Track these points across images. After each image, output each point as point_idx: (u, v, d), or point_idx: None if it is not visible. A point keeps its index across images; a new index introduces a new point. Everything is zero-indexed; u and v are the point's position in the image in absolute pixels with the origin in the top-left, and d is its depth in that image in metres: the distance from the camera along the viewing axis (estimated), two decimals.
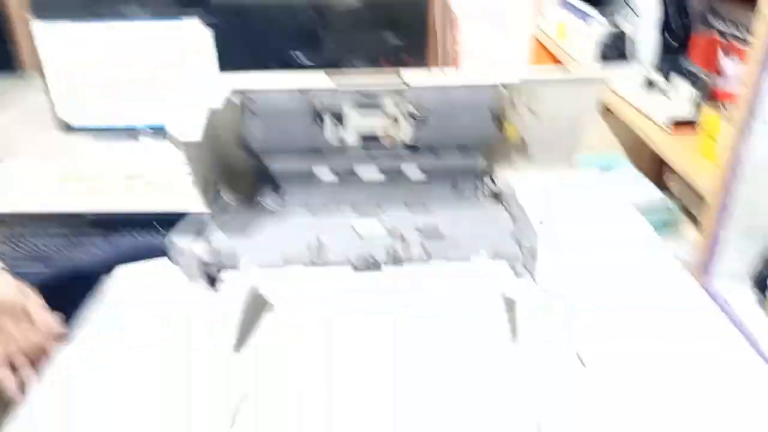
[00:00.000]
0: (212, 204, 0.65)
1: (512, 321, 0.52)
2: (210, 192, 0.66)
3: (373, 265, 0.59)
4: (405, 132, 0.67)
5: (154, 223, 1.04)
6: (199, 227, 0.61)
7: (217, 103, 0.60)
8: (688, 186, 0.98)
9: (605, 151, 1.41)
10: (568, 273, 0.58)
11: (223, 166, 0.71)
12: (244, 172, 0.71)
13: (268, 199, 0.71)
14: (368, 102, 0.64)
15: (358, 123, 0.65)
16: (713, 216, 0.68)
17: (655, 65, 1.16)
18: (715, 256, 0.69)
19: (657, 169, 1.26)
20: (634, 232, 0.65)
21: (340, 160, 0.70)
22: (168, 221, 0.62)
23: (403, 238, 0.61)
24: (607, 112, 1.25)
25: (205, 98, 0.60)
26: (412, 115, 0.65)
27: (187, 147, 0.57)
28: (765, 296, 0.71)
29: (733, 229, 0.68)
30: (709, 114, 0.83)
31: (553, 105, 0.67)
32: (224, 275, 0.58)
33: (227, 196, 0.67)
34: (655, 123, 0.95)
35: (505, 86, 0.63)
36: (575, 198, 0.72)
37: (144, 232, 1.06)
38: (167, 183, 1.13)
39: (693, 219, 1.09)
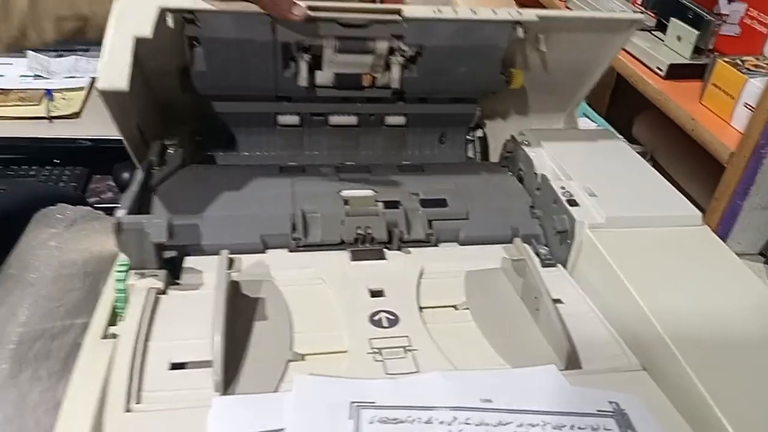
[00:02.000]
0: (152, 166, 0.51)
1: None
2: (145, 151, 0.52)
3: (375, 253, 0.49)
4: (394, 74, 0.54)
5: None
6: (141, 196, 0.47)
7: (147, 30, 0.44)
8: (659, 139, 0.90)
9: None
10: None
11: (161, 114, 0.57)
12: (188, 121, 0.57)
13: (222, 155, 0.58)
14: (352, 35, 0.50)
15: (336, 60, 0.52)
16: (732, 182, 0.60)
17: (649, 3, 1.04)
18: (731, 224, 0.62)
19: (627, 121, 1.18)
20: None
21: (310, 103, 0.57)
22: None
23: (406, 216, 0.50)
24: None
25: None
26: (404, 55, 0.53)
27: (107, 97, 0.42)
28: None
29: (753, 199, 0.61)
30: (721, 63, 0.73)
31: (570, 49, 0.56)
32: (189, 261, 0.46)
33: (171, 154, 0.53)
34: (649, 68, 0.86)
35: (520, 24, 0.51)
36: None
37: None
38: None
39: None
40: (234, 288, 0.43)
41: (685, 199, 0.51)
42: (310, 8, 0.46)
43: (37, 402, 0.45)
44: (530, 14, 0.51)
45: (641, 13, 0.89)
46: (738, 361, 0.37)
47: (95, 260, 0.57)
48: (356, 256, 0.48)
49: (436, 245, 0.51)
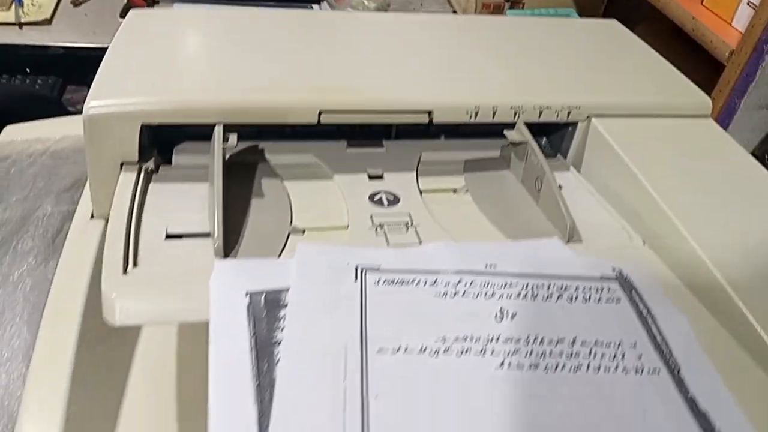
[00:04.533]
0: None
1: None
2: None
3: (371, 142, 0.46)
4: None
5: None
6: None
7: None
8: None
9: (558, 7, 1.31)
10: None
11: None
12: None
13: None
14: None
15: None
16: (731, 80, 0.59)
17: None
18: (726, 124, 0.62)
19: None
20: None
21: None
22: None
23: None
24: None
25: None
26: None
27: None
28: None
29: (751, 98, 0.61)
30: None
31: None
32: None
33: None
34: None
35: None
36: None
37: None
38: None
39: None
40: (228, 165, 0.41)
41: (694, 85, 0.50)
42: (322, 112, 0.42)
43: (22, 278, 0.44)
44: None
45: None
46: (744, 237, 0.37)
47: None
48: (353, 144, 0.47)
49: (436, 136, 0.49)
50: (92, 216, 0.42)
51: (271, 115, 0.41)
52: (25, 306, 0.42)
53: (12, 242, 0.46)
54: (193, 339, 0.38)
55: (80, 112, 0.41)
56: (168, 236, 0.36)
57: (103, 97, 0.39)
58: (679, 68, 0.53)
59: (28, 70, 0.88)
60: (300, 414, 0.25)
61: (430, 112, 0.44)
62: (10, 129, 0.60)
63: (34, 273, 0.44)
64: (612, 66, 0.52)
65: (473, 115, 0.44)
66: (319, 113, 0.42)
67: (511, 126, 0.45)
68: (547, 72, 0.49)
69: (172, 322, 0.35)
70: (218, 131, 0.40)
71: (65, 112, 0.76)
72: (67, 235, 0.45)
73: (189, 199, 0.39)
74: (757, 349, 0.31)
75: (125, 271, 0.33)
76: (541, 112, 0.45)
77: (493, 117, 0.45)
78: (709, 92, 0.64)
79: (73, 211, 0.48)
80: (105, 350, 0.36)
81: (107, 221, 0.42)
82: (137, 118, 0.39)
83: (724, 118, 0.63)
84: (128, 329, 0.38)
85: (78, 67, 0.90)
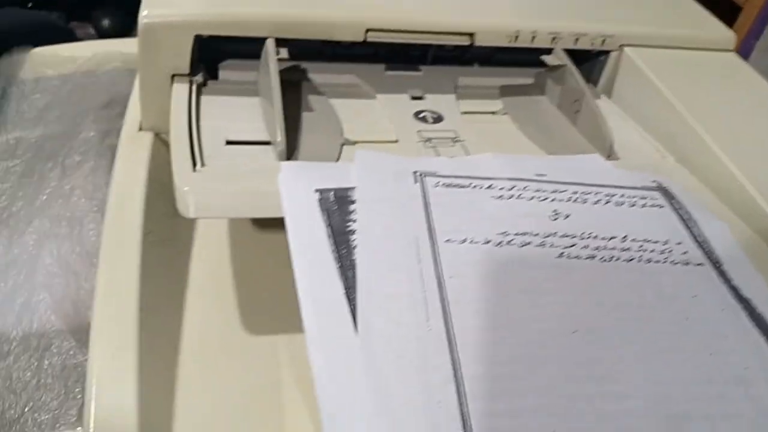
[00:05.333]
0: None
1: None
2: None
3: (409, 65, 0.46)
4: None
5: None
6: None
7: None
8: None
9: None
10: None
11: None
12: None
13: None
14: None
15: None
16: (748, 20, 0.61)
17: None
18: None
19: None
20: None
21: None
22: None
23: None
24: None
25: None
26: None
27: None
28: None
29: (766, 39, 0.63)
30: None
31: None
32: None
33: None
34: None
35: None
36: None
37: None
38: None
39: None
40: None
41: (718, 20, 0.51)
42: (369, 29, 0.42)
43: (73, 190, 0.45)
44: None
45: None
46: None
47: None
48: (391, 67, 0.48)
49: (471, 64, 0.51)
50: (140, 128, 0.43)
51: (319, 31, 0.42)
52: (77, 213, 0.43)
53: (58, 158, 0.47)
54: (247, 235, 0.40)
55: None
56: (228, 142, 0.37)
57: (157, 6, 0.40)
58: None
59: (29, 4, 0.86)
60: (384, 287, 0.27)
61: (472, 35, 0.45)
62: (37, 51, 0.60)
63: (84, 184, 0.45)
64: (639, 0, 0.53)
65: (513, 39, 0.45)
66: (366, 31, 0.43)
67: (548, 52, 0.47)
68: (582, 2, 0.50)
69: (246, 215, 0.37)
70: (271, 44, 0.41)
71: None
72: (109, 149, 0.46)
73: (241, 111, 0.40)
74: None
75: (194, 168, 0.34)
76: (577, 39, 0.47)
77: (532, 41, 0.46)
78: None
79: (110, 128, 0.48)
80: (166, 251, 0.38)
81: (156, 134, 0.43)
82: (191, 29, 0.40)
83: None
84: (186, 231, 0.40)
85: (82, 3, 0.89)
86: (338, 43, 0.47)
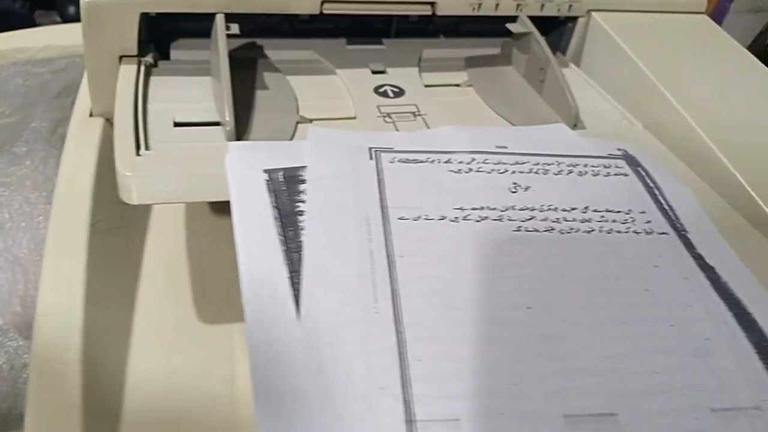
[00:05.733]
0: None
1: None
2: None
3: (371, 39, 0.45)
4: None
5: None
6: None
7: None
8: None
9: None
10: None
11: None
12: None
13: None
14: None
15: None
16: None
17: None
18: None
19: None
20: None
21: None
22: None
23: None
24: None
25: None
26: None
27: None
28: None
29: (741, 1, 0.61)
30: None
31: None
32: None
33: None
34: None
35: None
36: None
37: None
38: None
39: None
40: (229, 59, 0.41)
41: None
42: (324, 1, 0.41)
43: (21, 180, 0.43)
44: None
45: None
46: (743, 118, 0.38)
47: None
48: (352, 41, 0.47)
49: (435, 36, 0.49)
50: (90, 114, 0.41)
51: (272, 4, 0.41)
52: (25, 205, 0.42)
53: (6, 146, 0.45)
54: (204, 221, 0.38)
55: None
56: (176, 124, 0.36)
57: None
58: None
59: None
60: (330, 270, 0.26)
61: (433, 3, 0.43)
62: None
63: (33, 174, 0.43)
64: None
65: (476, 7, 0.44)
66: (322, 2, 0.41)
67: (513, 20, 0.45)
68: None
69: (191, 200, 0.35)
70: (220, 19, 0.39)
71: None
72: (61, 138, 0.44)
73: (192, 91, 0.39)
74: (755, 216, 0.33)
75: (138, 153, 0.32)
76: (543, 5, 0.45)
77: (496, 9, 0.44)
78: None
79: (63, 117, 0.47)
80: (116, 240, 0.36)
81: (107, 119, 0.41)
82: (136, 6, 0.38)
83: (714, 21, 0.63)
84: (137, 218, 0.38)
85: None
86: (296, 17, 0.46)
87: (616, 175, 0.33)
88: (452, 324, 0.24)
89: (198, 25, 0.41)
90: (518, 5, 0.44)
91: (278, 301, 0.24)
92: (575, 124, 0.39)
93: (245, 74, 0.41)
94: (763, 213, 0.33)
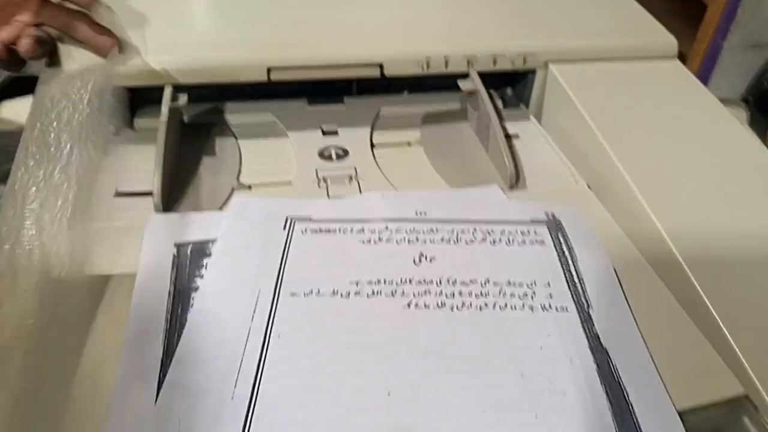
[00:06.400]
0: None
1: None
2: None
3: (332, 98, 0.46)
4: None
5: None
6: None
7: None
8: None
9: None
10: None
11: None
12: None
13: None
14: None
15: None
16: (714, 19, 0.57)
17: None
18: (710, 68, 0.59)
19: None
20: None
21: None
22: None
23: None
24: None
25: None
26: None
27: None
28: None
29: (735, 37, 0.58)
30: None
31: None
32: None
33: None
34: None
35: None
36: None
37: None
38: None
39: None
40: (186, 126, 0.43)
41: (659, 24, 0.48)
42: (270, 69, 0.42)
43: None
44: None
45: None
46: (684, 181, 0.36)
47: None
48: (313, 101, 0.48)
49: (399, 91, 0.49)
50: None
51: (220, 75, 0.42)
52: None
53: None
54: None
55: None
56: (117, 194, 0.38)
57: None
58: (661, 10, 0.51)
59: None
60: (202, 352, 0.26)
61: (380, 65, 0.44)
62: None
63: None
64: (571, 6, 0.50)
65: (425, 66, 0.44)
66: (268, 70, 0.42)
67: (466, 76, 0.45)
68: (501, 17, 0.48)
69: (107, 273, 0.37)
70: (167, 92, 0.41)
71: None
72: None
73: (144, 161, 0.41)
74: (684, 290, 0.31)
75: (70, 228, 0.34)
76: (495, 61, 0.45)
77: (446, 67, 0.44)
78: (694, 35, 0.62)
79: None
80: None
81: None
82: None
83: (708, 60, 0.60)
84: None
85: None
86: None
87: (531, 243, 0.32)
88: (306, 408, 0.24)
89: (160, 94, 0.43)
90: (468, 62, 0.44)
91: (145, 380, 0.25)
92: (512, 184, 0.38)
93: (198, 138, 0.43)
94: (693, 287, 0.30)
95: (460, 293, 0.29)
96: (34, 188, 0.36)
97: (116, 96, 0.42)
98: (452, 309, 0.28)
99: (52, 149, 0.39)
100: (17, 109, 0.48)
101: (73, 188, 0.37)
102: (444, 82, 0.48)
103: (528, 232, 0.33)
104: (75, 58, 0.41)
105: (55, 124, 0.38)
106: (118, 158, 0.41)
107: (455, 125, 0.46)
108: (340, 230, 0.33)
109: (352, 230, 0.33)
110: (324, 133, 0.44)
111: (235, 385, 0.25)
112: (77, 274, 0.33)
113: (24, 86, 0.46)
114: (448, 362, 0.26)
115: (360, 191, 0.38)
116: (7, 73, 0.45)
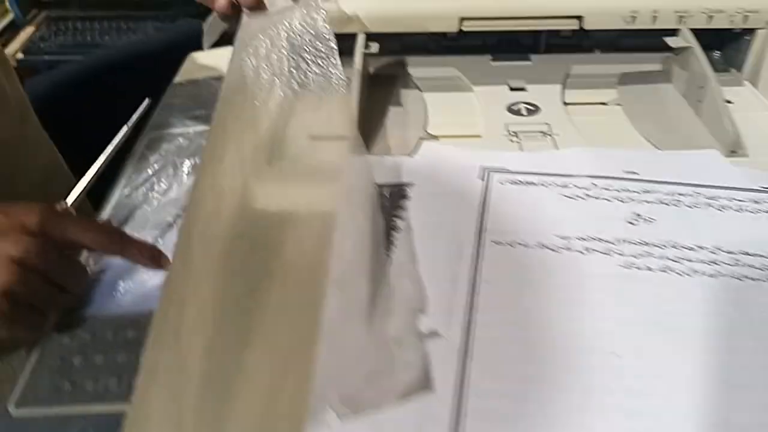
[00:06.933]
0: None
1: None
2: None
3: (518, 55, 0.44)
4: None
5: None
6: None
7: None
8: None
9: None
10: None
11: None
12: None
13: None
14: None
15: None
16: None
17: None
18: None
19: None
20: None
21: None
22: None
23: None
24: None
25: None
26: None
27: None
28: None
29: None
30: None
31: None
32: None
33: None
34: None
35: None
36: None
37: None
38: None
39: None
40: (373, 76, 0.43)
41: None
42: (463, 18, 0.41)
43: None
44: None
45: None
46: None
47: None
48: (497, 57, 0.46)
49: (590, 51, 0.46)
50: None
51: (411, 24, 0.42)
52: None
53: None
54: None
55: None
56: (312, 137, 0.38)
57: None
58: None
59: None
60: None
61: (579, 18, 0.41)
62: (194, 56, 0.65)
63: None
64: None
65: (630, 19, 0.40)
66: (461, 20, 0.41)
67: (674, 33, 0.41)
68: None
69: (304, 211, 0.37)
70: (360, 39, 0.41)
71: None
72: None
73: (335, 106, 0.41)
74: None
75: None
76: (711, 17, 0.40)
77: (654, 23, 0.40)
78: None
79: None
80: None
81: None
82: None
83: None
84: None
85: None
86: (444, 35, 0.46)
87: (765, 212, 0.29)
88: (524, 362, 0.23)
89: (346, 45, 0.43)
90: (680, 17, 0.40)
91: (357, 306, 0.25)
92: (733, 150, 0.34)
93: (383, 90, 0.42)
94: None
95: (688, 259, 0.26)
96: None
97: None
98: (679, 274, 0.26)
99: (249, 84, 0.40)
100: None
101: (271, 127, 0.38)
102: (639, 42, 0.44)
103: (759, 200, 0.29)
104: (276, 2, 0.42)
105: (253, 59, 0.40)
106: (310, 102, 0.42)
107: (657, 86, 0.42)
108: (541, 183, 0.31)
109: (554, 184, 0.31)
110: (511, 89, 0.42)
111: (447, 328, 0.24)
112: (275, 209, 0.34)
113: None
114: (678, 330, 0.24)
115: (556, 147, 0.36)
116: (223, 27, 0.47)
